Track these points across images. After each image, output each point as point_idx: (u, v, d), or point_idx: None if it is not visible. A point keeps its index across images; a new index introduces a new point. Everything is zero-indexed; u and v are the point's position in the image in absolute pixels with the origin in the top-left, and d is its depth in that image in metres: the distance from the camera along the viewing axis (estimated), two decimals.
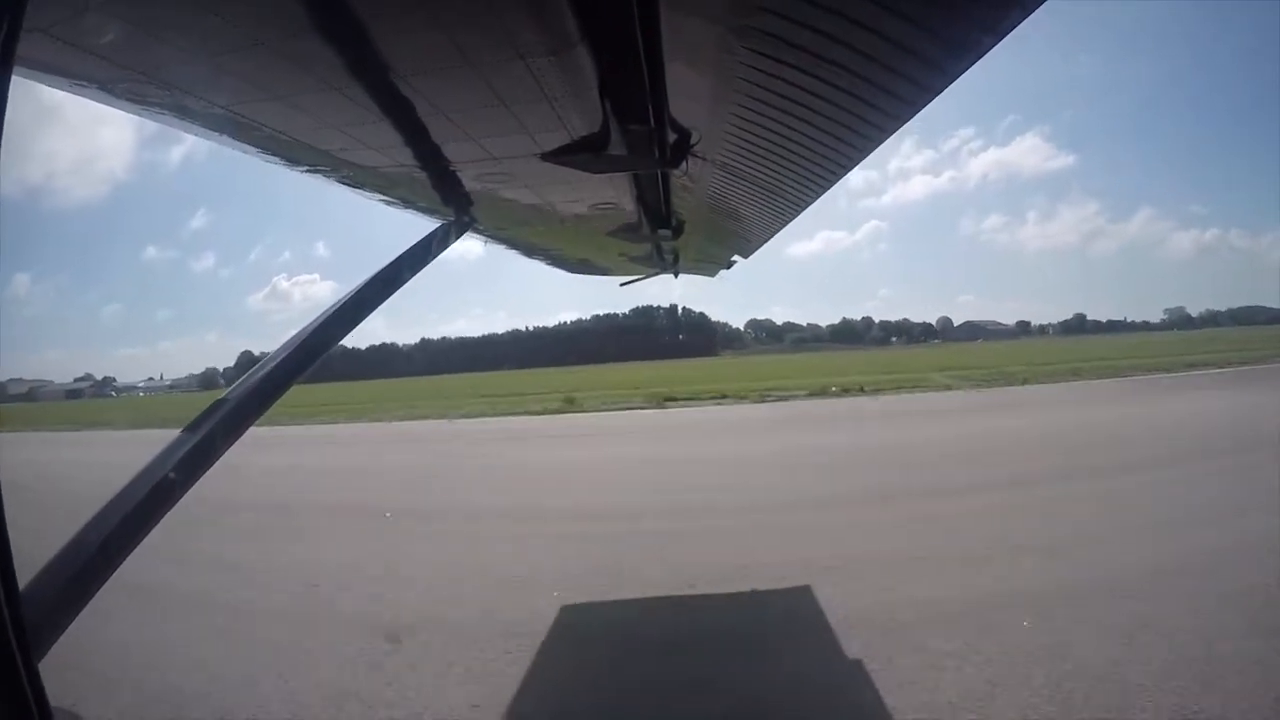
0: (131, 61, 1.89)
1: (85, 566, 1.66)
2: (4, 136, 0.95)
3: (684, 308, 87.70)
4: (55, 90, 2.07)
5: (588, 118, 2.50)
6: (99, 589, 1.68)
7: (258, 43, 1.86)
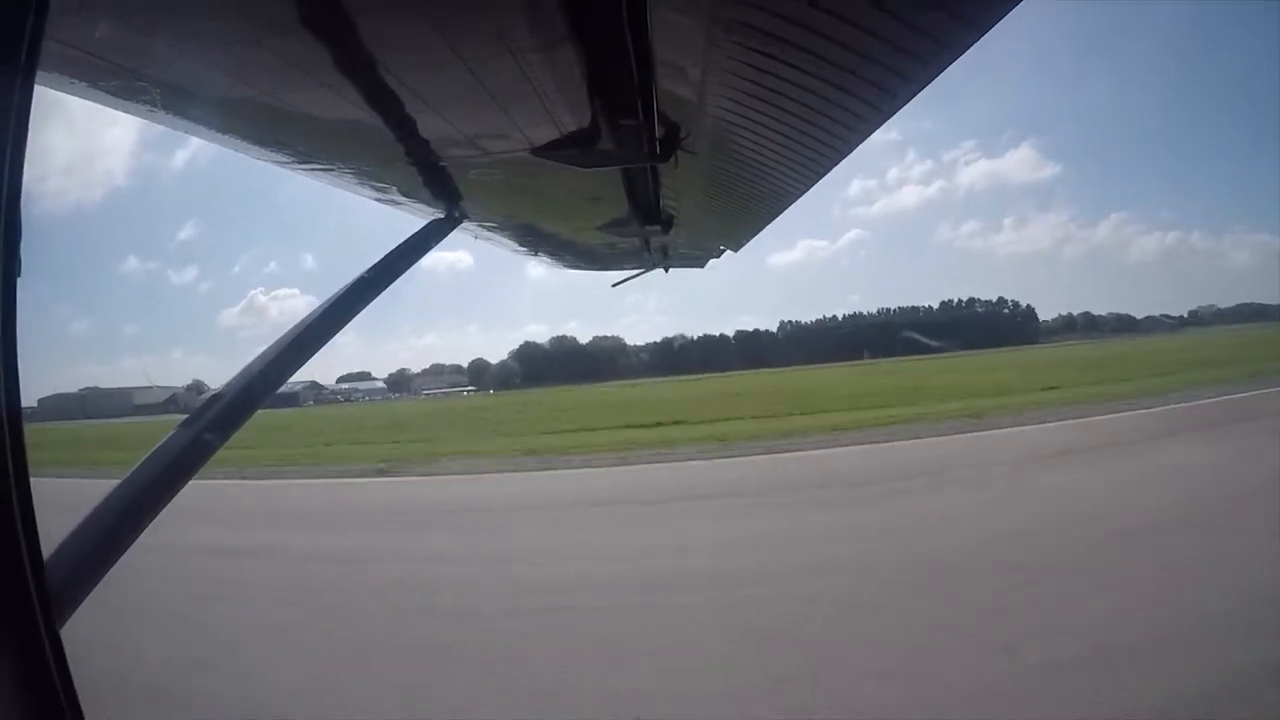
0: (121, 57, 1.90)
1: (104, 539, 1.78)
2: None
3: (1012, 299, 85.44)
4: (46, 88, 2.07)
5: (577, 112, 2.52)
6: (116, 560, 1.80)
7: (248, 39, 1.87)
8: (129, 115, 2.34)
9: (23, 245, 1.01)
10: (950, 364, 48.25)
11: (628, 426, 25.63)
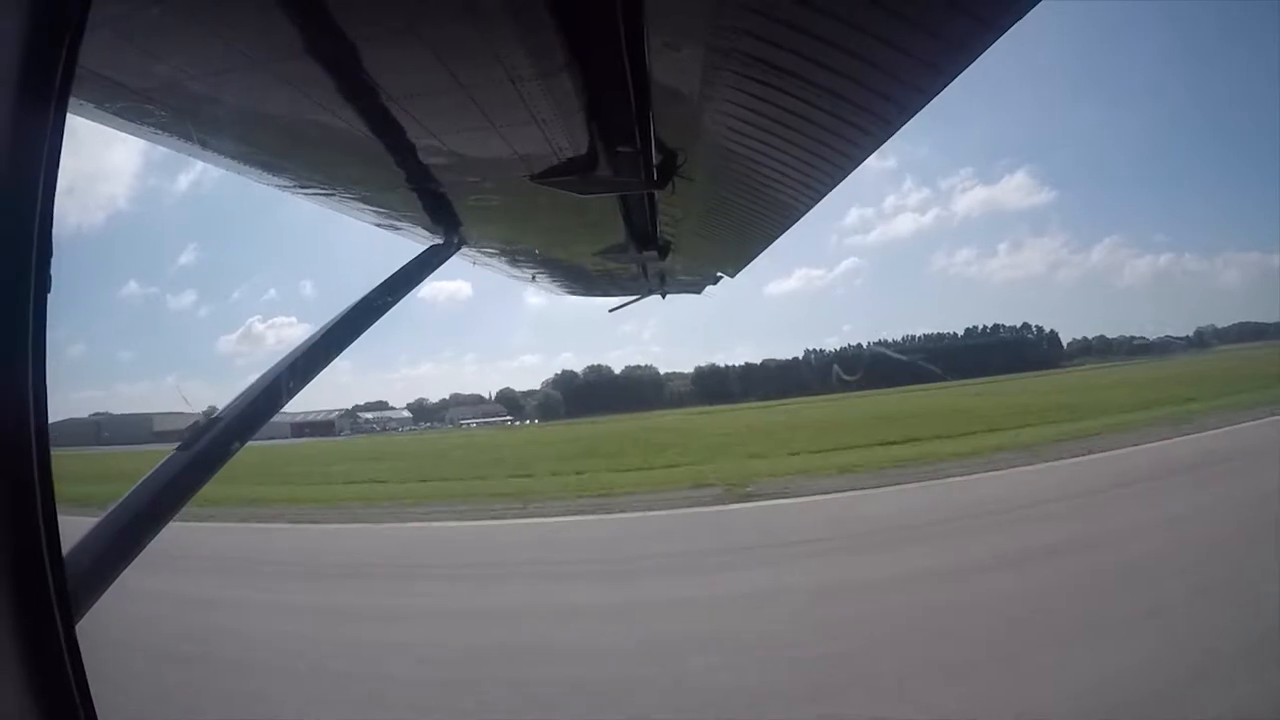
0: (130, 81, 1.93)
1: (119, 539, 1.87)
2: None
3: (1036, 325, 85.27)
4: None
5: (576, 140, 2.56)
6: (132, 559, 1.88)
7: (254, 65, 1.91)
8: (132, 136, 2.38)
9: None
10: (1018, 386, 46.80)
11: (882, 444, 24.00)
